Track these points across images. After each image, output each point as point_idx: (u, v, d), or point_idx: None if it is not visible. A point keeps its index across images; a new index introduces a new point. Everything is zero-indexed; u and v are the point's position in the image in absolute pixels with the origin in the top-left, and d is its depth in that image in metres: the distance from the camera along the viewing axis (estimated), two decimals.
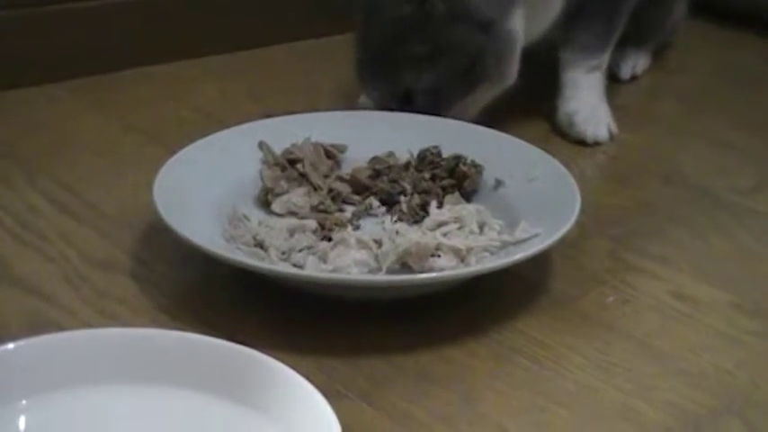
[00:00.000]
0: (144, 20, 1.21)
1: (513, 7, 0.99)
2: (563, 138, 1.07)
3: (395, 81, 0.98)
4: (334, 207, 0.85)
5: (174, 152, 0.86)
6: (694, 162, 1.05)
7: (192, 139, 0.88)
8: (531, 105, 1.10)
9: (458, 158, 0.88)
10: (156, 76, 1.20)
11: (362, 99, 1.07)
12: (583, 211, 0.79)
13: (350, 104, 1.08)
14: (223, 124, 0.93)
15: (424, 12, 0.95)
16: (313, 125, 0.93)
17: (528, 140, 0.92)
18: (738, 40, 1.44)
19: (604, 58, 1.11)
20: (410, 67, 0.97)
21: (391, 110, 0.98)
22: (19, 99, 1.12)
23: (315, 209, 0.84)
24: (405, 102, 0.98)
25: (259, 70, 1.25)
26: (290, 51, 1.32)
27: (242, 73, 1.24)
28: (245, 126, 0.92)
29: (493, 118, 1.01)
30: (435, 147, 0.89)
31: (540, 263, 0.80)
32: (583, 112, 1.07)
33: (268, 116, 0.96)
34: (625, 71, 1.25)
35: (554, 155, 0.89)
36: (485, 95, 1.01)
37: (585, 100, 1.08)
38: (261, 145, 0.89)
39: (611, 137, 1.07)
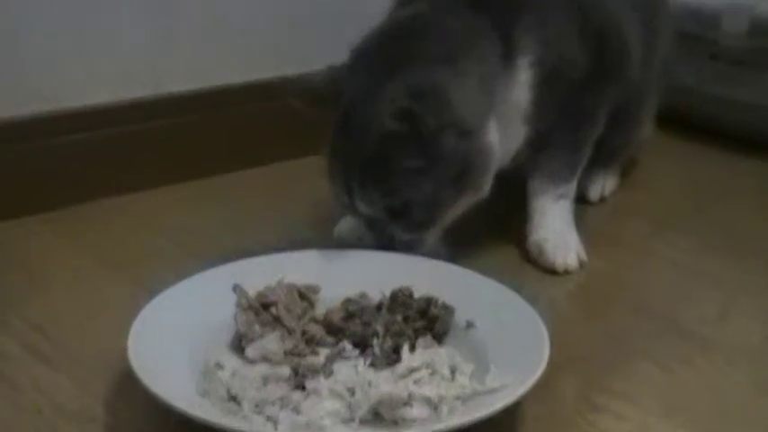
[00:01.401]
0: (118, 150, 1.23)
1: (488, 119, 1.01)
2: (534, 265, 1.09)
3: (391, 195, 0.98)
4: (307, 350, 0.86)
5: (148, 288, 0.87)
6: (661, 289, 1.08)
7: (167, 273, 0.90)
8: (503, 232, 1.12)
9: (429, 300, 0.89)
10: (131, 205, 1.22)
11: (338, 229, 1.08)
12: (552, 345, 0.81)
13: (325, 231, 1.09)
14: (198, 257, 0.94)
15: (415, 127, 0.96)
16: (287, 265, 0.94)
17: (500, 269, 0.93)
18: (703, 154, 1.47)
19: (571, 187, 1.13)
20: (406, 180, 0.97)
21: (381, 229, 0.99)
22: None
23: (289, 353, 0.85)
24: (401, 215, 0.98)
25: (232, 196, 1.27)
26: (262, 175, 1.34)
27: (215, 200, 1.25)
28: (221, 268, 0.93)
29: (469, 243, 1.02)
30: (407, 288, 0.91)
31: (510, 409, 0.81)
32: (552, 241, 1.09)
33: (242, 249, 0.97)
34: (594, 193, 1.28)
35: (525, 284, 0.91)
36: (462, 206, 1.02)
37: (554, 228, 1.10)
38: (235, 288, 0.90)
39: (581, 264, 1.09)
